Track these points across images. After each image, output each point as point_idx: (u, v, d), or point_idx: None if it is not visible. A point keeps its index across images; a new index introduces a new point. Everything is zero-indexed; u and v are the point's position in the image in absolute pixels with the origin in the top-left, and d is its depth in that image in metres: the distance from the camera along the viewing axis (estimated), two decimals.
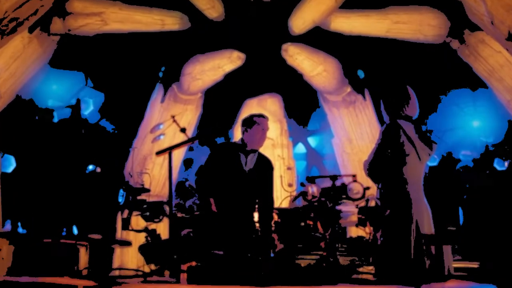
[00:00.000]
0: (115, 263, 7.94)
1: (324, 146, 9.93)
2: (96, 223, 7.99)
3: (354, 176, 5.72)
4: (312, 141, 10.29)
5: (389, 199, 4.24)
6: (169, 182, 4.87)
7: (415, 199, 4.21)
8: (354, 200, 5.45)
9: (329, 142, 9.14)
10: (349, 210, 5.76)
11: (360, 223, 5.52)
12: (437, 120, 9.22)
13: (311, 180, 5.45)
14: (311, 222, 5.23)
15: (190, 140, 5.66)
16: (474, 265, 7.60)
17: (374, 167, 4.32)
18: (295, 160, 9.14)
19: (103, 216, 8.04)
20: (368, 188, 5.43)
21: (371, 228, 5.28)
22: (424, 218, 4.20)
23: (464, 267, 7.47)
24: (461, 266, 7.54)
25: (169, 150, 4.90)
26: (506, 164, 9.14)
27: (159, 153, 5.14)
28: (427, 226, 4.22)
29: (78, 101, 8.39)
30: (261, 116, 5.05)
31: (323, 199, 5.28)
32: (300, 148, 10.19)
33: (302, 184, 5.59)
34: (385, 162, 4.25)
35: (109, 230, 7.76)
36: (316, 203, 5.29)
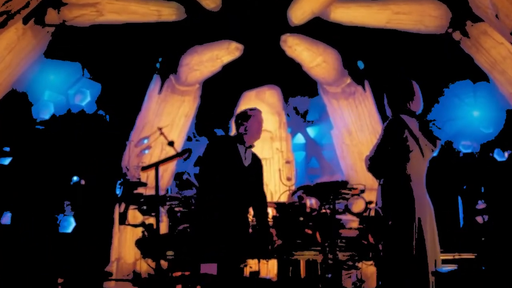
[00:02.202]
0: (113, 256, 7.93)
1: (324, 136, 9.86)
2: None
3: (355, 189, 5.64)
4: (311, 131, 10.21)
5: (391, 196, 4.17)
6: (156, 196, 4.75)
7: (418, 196, 4.13)
8: (355, 215, 5.36)
9: (329, 133, 9.07)
10: (348, 218, 5.68)
11: (361, 235, 5.43)
12: (438, 110, 9.16)
13: (309, 192, 5.36)
14: (310, 231, 5.15)
15: (178, 155, 5.53)
16: (471, 256, 7.60)
17: (376, 163, 4.24)
18: (294, 151, 9.08)
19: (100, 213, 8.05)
20: (370, 202, 5.34)
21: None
22: (426, 216, 4.13)
23: (461, 259, 7.49)
24: (458, 258, 7.55)
25: (156, 165, 4.78)
26: (506, 154, 9.11)
27: (145, 168, 5.03)
28: (430, 225, 4.15)
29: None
30: (254, 109, 4.98)
31: (323, 209, 5.18)
32: (299, 138, 10.12)
33: (300, 197, 5.51)
34: (387, 158, 4.16)
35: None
36: (315, 213, 5.19)
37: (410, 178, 4.13)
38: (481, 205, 8.86)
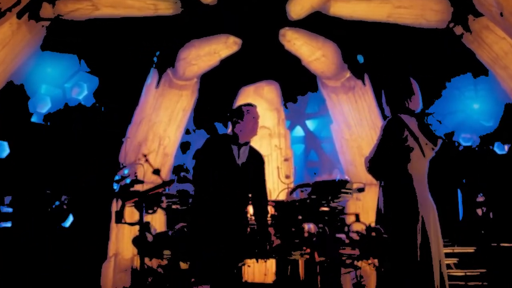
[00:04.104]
0: (111, 252, 7.89)
1: (323, 129, 9.79)
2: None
3: (357, 215, 5.54)
4: (310, 124, 10.15)
5: (393, 197, 4.09)
6: (140, 234, 4.62)
7: (421, 196, 4.06)
8: (354, 242, 5.26)
9: (328, 125, 9.00)
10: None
11: (363, 255, 5.33)
12: (438, 103, 9.11)
13: (308, 219, 5.26)
14: (308, 250, 5.06)
15: (164, 185, 5.40)
16: (471, 249, 7.58)
17: (376, 164, 4.16)
18: (293, 143, 9.01)
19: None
20: (372, 228, 5.24)
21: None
22: (430, 216, 4.06)
23: (461, 252, 7.46)
24: (458, 251, 7.52)
25: (140, 197, 4.61)
26: (506, 148, 9.07)
27: (127, 198, 4.88)
28: (433, 225, 4.08)
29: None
30: (248, 104, 4.85)
31: (321, 225, 5.08)
32: (298, 131, 10.06)
33: None
34: (387, 159, 4.08)
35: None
36: (314, 238, 5.08)
37: (411, 178, 4.06)
38: (480, 198, 8.84)
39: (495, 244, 7.57)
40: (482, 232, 8.48)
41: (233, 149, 4.67)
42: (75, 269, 7.85)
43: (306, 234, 5.12)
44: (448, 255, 7.28)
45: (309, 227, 5.23)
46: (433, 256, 3.97)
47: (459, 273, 7.27)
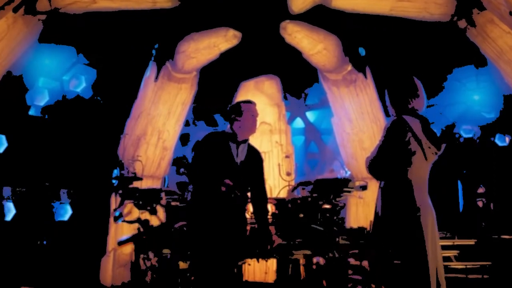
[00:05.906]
0: (110, 246, 7.85)
1: (323, 121, 9.72)
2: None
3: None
4: (310, 115, 10.07)
5: (392, 201, 4.02)
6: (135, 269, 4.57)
7: (420, 202, 3.99)
8: (367, 271, 5.20)
9: (328, 117, 8.92)
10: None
11: (371, 280, 5.26)
12: (439, 95, 9.04)
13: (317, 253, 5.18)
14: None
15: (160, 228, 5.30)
16: (471, 242, 7.56)
17: (376, 165, 4.08)
18: (293, 135, 8.93)
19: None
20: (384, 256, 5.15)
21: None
22: (428, 223, 3.99)
23: (461, 244, 7.43)
24: (458, 243, 7.49)
25: (134, 240, 4.54)
26: (507, 139, 9.02)
27: (121, 243, 4.82)
28: (431, 232, 4.01)
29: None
30: (247, 102, 4.75)
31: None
32: (299, 123, 9.98)
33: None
34: (388, 161, 4.01)
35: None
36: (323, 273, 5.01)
37: (411, 183, 3.98)
38: (481, 189, 8.81)
39: (496, 236, 7.55)
40: (483, 224, 8.46)
41: (231, 147, 4.59)
42: (74, 263, 7.82)
43: (314, 267, 5.06)
44: (448, 248, 7.25)
45: (318, 260, 5.18)
46: (430, 263, 3.91)
47: (460, 265, 7.24)
